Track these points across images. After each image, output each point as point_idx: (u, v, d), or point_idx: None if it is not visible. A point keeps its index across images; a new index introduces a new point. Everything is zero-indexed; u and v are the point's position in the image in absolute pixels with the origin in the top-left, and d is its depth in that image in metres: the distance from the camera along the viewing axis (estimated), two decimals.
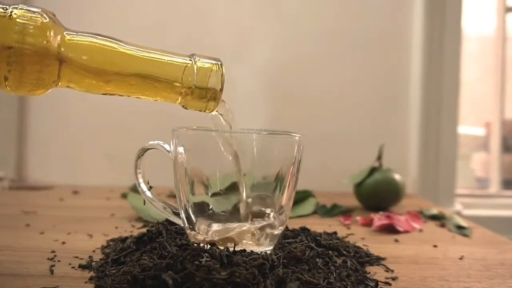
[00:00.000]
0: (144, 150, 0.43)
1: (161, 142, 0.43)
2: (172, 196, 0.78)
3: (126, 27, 0.97)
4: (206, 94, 0.38)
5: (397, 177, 0.76)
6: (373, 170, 0.76)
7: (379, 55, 1.02)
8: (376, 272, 0.42)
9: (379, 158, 0.78)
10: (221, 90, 0.39)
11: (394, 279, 0.41)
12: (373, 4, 1.02)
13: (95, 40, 0.36)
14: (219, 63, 0.39)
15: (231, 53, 0.99)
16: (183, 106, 0.40)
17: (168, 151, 0.42)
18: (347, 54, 1.02)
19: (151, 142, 0.43)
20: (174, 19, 0.99)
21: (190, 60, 0.38)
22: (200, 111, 0.40)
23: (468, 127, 1.47)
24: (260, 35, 1.00)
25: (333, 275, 0.37)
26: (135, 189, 0.76)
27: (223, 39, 1.00)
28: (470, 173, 1.42)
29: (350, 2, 1.02)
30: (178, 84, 0.38)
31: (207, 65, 0.38)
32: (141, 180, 0.44)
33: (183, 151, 0.40)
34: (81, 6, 0.98)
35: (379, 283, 0.39)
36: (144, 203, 0.44)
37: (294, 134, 0.41)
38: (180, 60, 0.38)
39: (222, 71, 0.39)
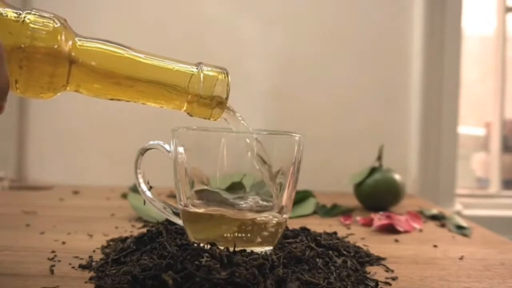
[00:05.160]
0: (144, 150, 0.43)
1: (161, 142, 0.43)
2: (172, 196, 0.79)
3: (128, 30, 0.98)
4: (212, 102, 0.39)
5: (397, 177, 0.76)
6: (373, 170, 0.76)
7: (379, 55, 1.02)
8: (376, 272, 0.42)
9: (379, 158, 0.78)
10: (227, 98, 0.39)
11: (394, 279, 0.41)
12: (373, 5, 1.02)
13: (105, 46, 0.37)
14: (225, 72, 0.40)
15: (232, 54, 0.99)
16: (188, 113, 0.40)
17: (168, 151, 0.42)
18: (347, 54, 1.02)
19: (151, 142, 0.43)
20: (176, 22, 0.99)
21: (197, 68, 0.39)
22: (205, 118, 0.40)
23: (468, 127, 1.47)
24: (261, 37, 1.00)
25: (333, 275, 0.37)
26: (135, 189, 0.76)
27: (225, 40, 1.00)
28: (470, 173, 1.42)
29: (351, 2, 1.02)
30: (184, 92, 0.39)
31: (213, 74, 0.39)
32: (141, 180, 0.44)
33: (183, 151, 0.40)
34: (83, 9, 0.98)
35: (379, 283, 0.39)
36: (144, 203, 0.44)
37: (294, 134, 0.41)
38: (187, 68, 0.39)
39: (228, 80, 0.39)
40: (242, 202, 0.41)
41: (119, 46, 0.37)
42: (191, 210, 0.41)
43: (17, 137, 0.99)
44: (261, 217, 0.40)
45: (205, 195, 0.41)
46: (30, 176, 0.99)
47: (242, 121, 0.41)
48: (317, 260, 0.40)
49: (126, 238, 0.49)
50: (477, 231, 0.62)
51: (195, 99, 0.39)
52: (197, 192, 0.41)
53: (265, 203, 0.41)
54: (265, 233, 0.41)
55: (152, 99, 0.39)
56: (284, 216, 0.42)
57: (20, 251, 0.46)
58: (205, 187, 0.40)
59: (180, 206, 0.42)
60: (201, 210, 0.41)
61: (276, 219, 0.41)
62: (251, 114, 0.95)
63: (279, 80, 1.00)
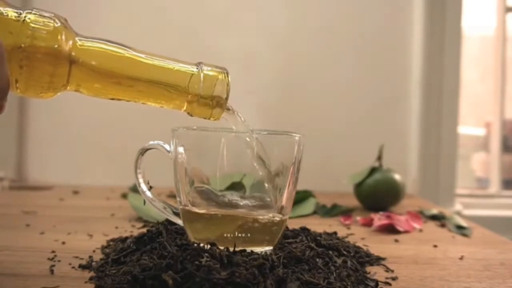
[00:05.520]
0: (144, 150, 0.43)
1: (161, 142, 0.43)
2: (172, 196, 0.79)
3: (128, 29, 0.98)
4: (212, 102, 0.39)
5: (397, 177, 0.76)
6: (373, 170, 0.76)
7: (379, 55, 1.02)
8: (376, 272, 0.42)
9: (379, 158, 0.78)
10: (227, 98, 0.39)
11: (394, 279, 0.41)
12: (373, 5, 1.02)
13: (105, 46, 0.37)
14: (225, 71, 0.40)
15: (231, 54, 0.99)
16: (188, 113, 0.40)
17: (168, 151, 0.42)
18: (347, 54, 1.02)
19: (151, 142, 0.43)
20: (174, 21, 0.99)
21: (197, 68, 0.39)
22: (205, 118, 0.40)
23: (468, 127, 1.47)
24: (260, 35, 1.00)
25: (333, 275, 0.37)
26: (135, 189, 0.76)
27: (223, 40, 1.00)
28: (470, 173, 1.42)
29: (351, 2, 1.02)
30: (184, 92, 0.39)
31: (213, 74, 0.39)
32: (141, 180, 0.44)
33: (183, 151, 0.40)
34: (83, 9, 0.98)
35: (379, 283, 0.39)
36: (144, 203, 0.44)
37: (294, 134, 0.41)
38: (187, 68, 0.39)
39: (228, 79, 0.39)
40: (241, 202, 0.41)
41: (119, 46, 0.38)
42: (191, 209, 0.41)
43: (17, 137, 0.99)
44: (261, 216, 0.40)
45: (204, 194, 0.41)
46: (30, 176, 0.99)
47: (242, 121, 0.41)
48: (317, 260, 0.40)
49: (126, 238, 0.49)
50: (477, 231, 0.62)
51: (195, 99, 0.39)
52: (197, 191, 0.41)
53: (265, 198, 0.41)
54: (265, 233, 0.41)
55: (153, 99, 0.39)
56: (284, 216, 0.42)
57: (20, 251, 0.46)
58: (205, 186, 0.40)
59: (180, 206, 0.42)
60: (202, 211, 0.41)
61: (276, 219, 0.41)
62: (251, 114, 0.96)
63: (279, 80, 1.00)
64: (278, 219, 0.41)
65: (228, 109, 0.40)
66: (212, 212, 0.41)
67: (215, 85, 0.39)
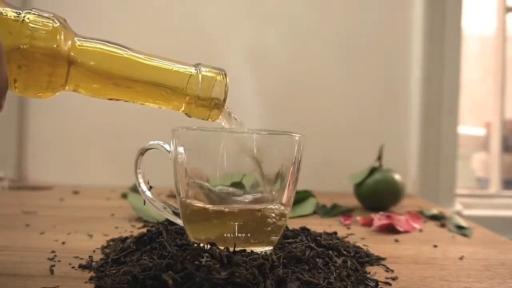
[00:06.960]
0: (144, 150, 0.43)
1: (161, 142, 0.43)
2: (172, 196, 0.79)
3: (129, 29, 0.98)
4: (210, 103, 0.39)
5: (397, 177, 0.76)
6: (373, 170, 0.76)
7: (379, 55, 1.02)
8: (376, 272, 0.42)
9: (379, 158, 0.78)
10: (225, 99, 0.39)
11: (394, 279, 0.41)
12: (373, 4, 1.02)
13: (104, 47, 0.37)
14: (223, 73, 0.40)
15: (231, 54, 0.99)
16: (186, 114, 0.40)
17: (168, 151, 0.42)
18: (347, 54, 1.02)
19: (151, 142, 0.43)
20: (174, 24, 0.99)
21: (195, 69, 0.39)
22: (203, 119, 0.40)
23: (468, 127, 1.47)
24: (260, 35, 1.00)
25: (333, 275, 0.37)
26: (135, 189, 0.76)
27: (223, 40, 1.00)
28: (470, 173, 1.42)
29: (351, 2, 1.02)
30: (182, 93, 0.39)
31: (211, 75, 0.39)
32: (141, 180, 0.44)
33: (183, 151, 0.40)
34: (84, 9, 0.98)
35: (379, 283, 0.39)
36: (144, 203, 0.44)
37: (294, 134, 0.41)
38: (185, 69, 0.39)
39: (226, 81, 0.39)
40: (240, 198, 0.41)
41: (118, 47, 0.37)
42: (191, 203, 0.40)
43: (17, 137, 0.99)
44: (262, 207, 0.40)
45: (203, 190, 0.40)
46: (30, 176, 0.99)
47: (239, 123, 0.41)
48: (317, 260, 0.40)
49: (126, 238, 0.49)
50: (478, 231, 0.62)
51: (193, 100, 0.39)
52: (196, 186, 0.40)
53: (264, 196, 0.41)
54: (265, 232, 0.41)
55: (151, 100, 0.39)
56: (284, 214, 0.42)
57: (20, 251, 0.46)
58: (205, 184, 0.40)
59: (180, 200, 0.42)
60: (201, 204, 0.41)
61: (277, 211, 0.41)
62: (250, 114, 0.95)
63: (279, 80, 1.00)
64: (278, 211, 0.41)
65: (226, 111, 0.40)
66: (212, 208, 0.40)
67: (213, 86, 0.39)
